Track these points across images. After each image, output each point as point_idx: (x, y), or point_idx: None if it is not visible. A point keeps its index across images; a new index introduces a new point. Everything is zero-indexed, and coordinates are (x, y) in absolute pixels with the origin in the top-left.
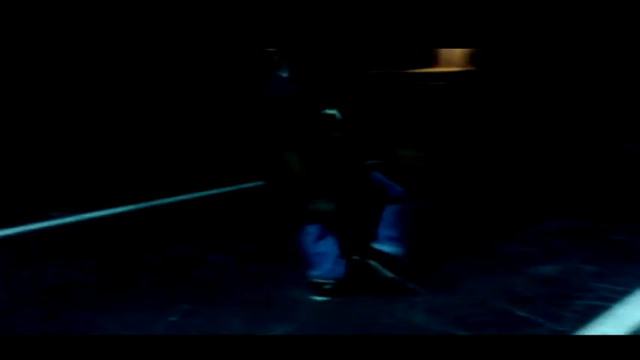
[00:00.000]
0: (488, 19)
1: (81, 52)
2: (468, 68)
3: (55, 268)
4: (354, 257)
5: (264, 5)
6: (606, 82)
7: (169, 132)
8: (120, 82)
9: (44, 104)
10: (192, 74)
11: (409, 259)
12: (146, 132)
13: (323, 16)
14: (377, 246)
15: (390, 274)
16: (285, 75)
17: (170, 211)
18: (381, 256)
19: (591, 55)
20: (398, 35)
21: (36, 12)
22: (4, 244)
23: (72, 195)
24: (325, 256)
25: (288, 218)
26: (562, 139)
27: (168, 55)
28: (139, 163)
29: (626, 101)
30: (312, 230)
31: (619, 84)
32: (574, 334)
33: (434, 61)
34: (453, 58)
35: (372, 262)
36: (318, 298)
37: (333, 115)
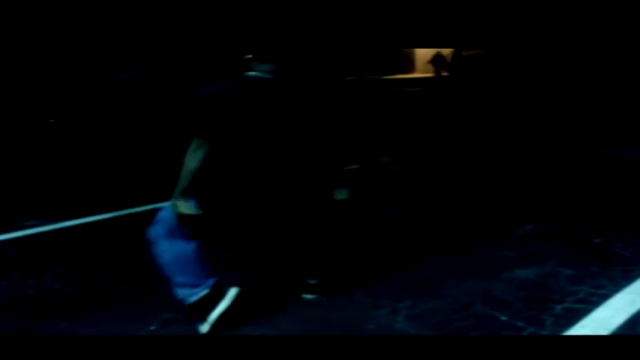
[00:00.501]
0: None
1: (50, 61)
2: (443, 74)
3: (32, 278)
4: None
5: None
6: (582, 87)
7: (142, 138)
8: (91, 90)
9: (18, 113)
10: (163, 81)
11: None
12: (120, 138)
13: (298, 24)
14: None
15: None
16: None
17: (147, 218)
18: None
19: (567, 61)
20: (372, 38)
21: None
22: None
23: (48, 203)
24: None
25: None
26: (538, 143)
27: (137, 63)
28: (115, 170)
29: (602, 106)
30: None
31: (594, 89)
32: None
33: (410, 67)
34: (429, 65)
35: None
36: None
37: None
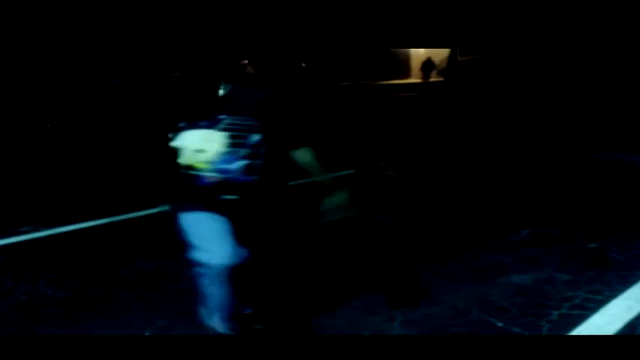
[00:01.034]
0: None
1: (46, 67)
2: (431, 79)
3: (27, 284)
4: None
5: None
6: (577, 93)
7: (137, 144)
8: (86, 96)
9: (14, 118)
10: (153, 87)
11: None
12: (115, 144)
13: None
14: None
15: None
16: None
17: (143, 224)
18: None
19: (562, 67)
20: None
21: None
22: None
23: (42, 209)
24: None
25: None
26: (534, 148)
27: (128, 69)
28: (109, 176)
29: (596, 111)
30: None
31: (589, 95)
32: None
33: (406, 72)
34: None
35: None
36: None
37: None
